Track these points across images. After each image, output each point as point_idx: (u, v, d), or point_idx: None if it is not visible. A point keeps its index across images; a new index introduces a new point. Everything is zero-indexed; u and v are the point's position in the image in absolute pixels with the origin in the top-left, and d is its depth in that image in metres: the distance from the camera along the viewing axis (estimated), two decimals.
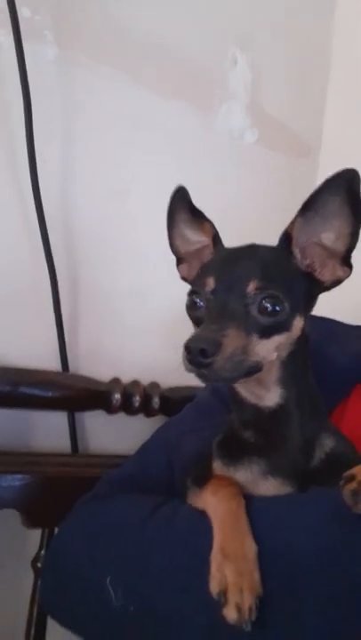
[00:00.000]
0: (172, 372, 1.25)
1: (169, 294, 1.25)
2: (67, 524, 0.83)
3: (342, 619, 0.54)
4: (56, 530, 0.90)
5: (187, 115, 1.31)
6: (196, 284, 0.68)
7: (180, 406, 1.10)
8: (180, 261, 0.77)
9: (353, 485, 0.53)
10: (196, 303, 0.66)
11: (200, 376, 0.59)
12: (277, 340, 0.62)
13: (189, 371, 0.59)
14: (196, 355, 0.56)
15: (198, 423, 0.91)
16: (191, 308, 0.67)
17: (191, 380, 1.26)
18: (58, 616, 0.80)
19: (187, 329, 1.24)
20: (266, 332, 0.61)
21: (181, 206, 0.74)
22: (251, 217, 1.43)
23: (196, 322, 0.67)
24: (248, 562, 0.57)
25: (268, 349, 0.62)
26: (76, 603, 0.75)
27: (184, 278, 0.77)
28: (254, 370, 0.61)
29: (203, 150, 1.35)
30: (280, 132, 1.46)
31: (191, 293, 0.67)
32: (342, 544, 0.56)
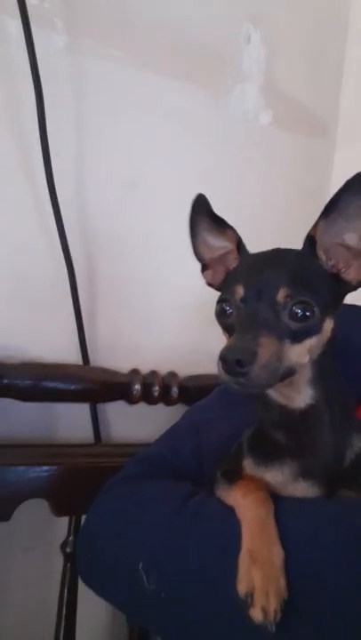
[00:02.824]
0: (189, 361, 1.28)
1: (183, 284, 1.26)
2: (101, 503, 0.86)
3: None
4: (84, 517, 0.93)
5: (199, 98, 1.28)
6: (224, 291, 0.68)
7: (197, 394, 1.12)
8: (204, 267, 0.78)
9: None
10: (225, 310, 0.66)
11: (236, 384, 0.59)
12: (309, 343, 0.63)
13: (225, 381, 0.60)
14: (232, 365, 0.57)
15: (227, 410, 0.93)
16: (221, 315, 0.67)
17: (207, 369, 1.29)
18: (92, 585, 0.84)
19: (201, 318, 1.25)
20: (298, 337, 0.62)
21: (202, 215, 0.74)
22: (268, 200, 1.40)
23: (226, 328, 0.67)
24: (275, 568, 0.59)
25: (301, 354, 0.63)
26: (108, 577, 0.79)
27: (210, 284, 0.77)
28: (288, 374, 0.62)
29: (217, 134, 1.32)
30: (295, 112, 1.42)
31: (220, 301, 0.68)
32: None
